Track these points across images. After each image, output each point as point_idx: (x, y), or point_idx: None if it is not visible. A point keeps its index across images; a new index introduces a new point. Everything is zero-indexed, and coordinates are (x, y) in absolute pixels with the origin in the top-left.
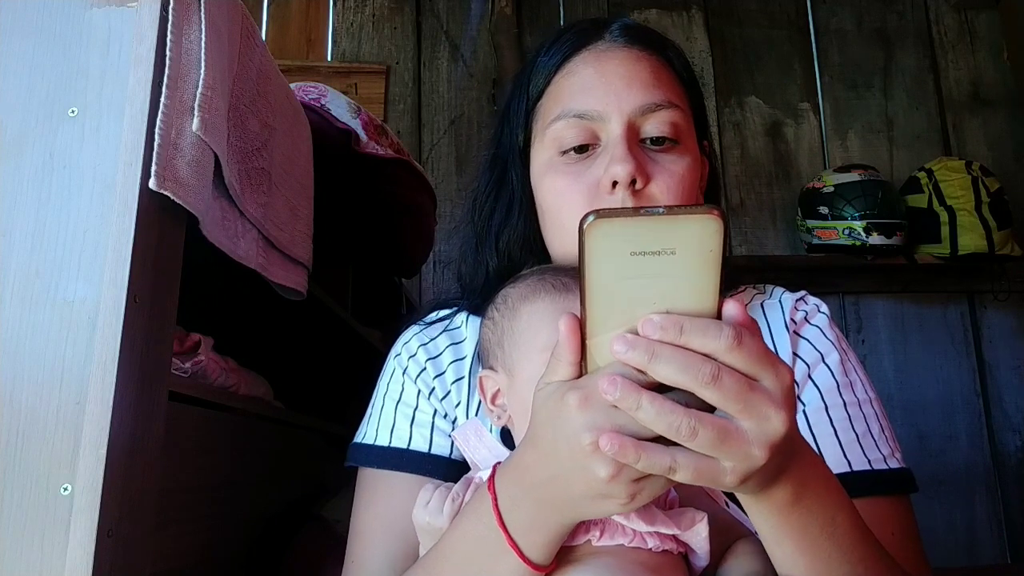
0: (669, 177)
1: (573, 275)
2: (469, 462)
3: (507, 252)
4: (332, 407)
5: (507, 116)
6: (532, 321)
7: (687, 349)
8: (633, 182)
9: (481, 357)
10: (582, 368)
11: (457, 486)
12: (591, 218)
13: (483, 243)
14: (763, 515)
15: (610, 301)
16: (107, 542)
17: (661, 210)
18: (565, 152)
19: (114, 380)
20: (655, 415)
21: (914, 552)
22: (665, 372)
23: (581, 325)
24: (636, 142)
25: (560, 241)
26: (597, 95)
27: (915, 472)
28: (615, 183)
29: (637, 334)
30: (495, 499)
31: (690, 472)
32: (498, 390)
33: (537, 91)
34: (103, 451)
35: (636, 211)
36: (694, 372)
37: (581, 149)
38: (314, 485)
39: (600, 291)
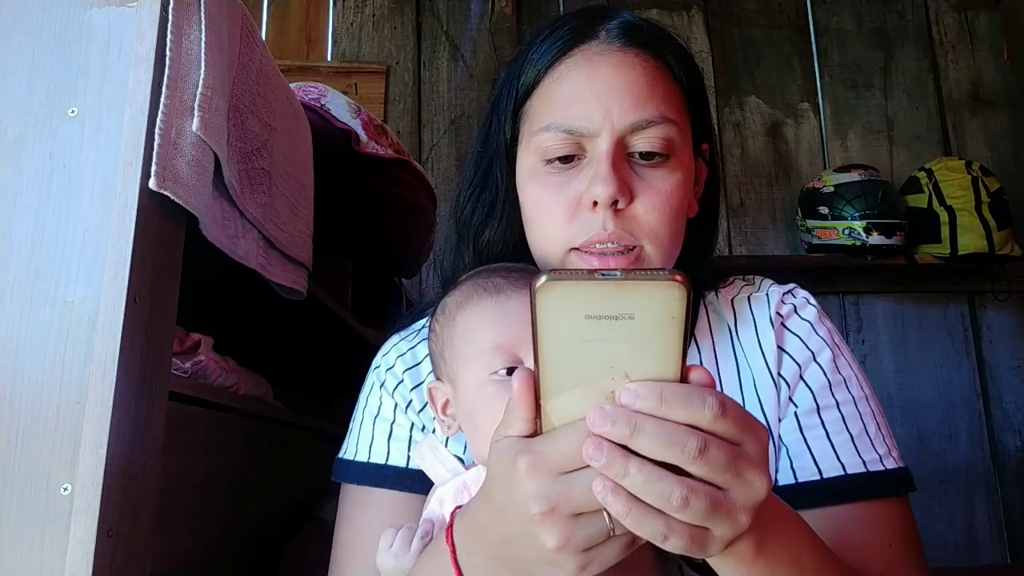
0: (655, 195)
1: (505, 274)
2: (432, 478)
3: (486, 250)
4: (332, 407)
5: (495, 110)
6: (468, 328)
7: (668, 420)
8: (615, 202)
9: (433, 369)
10: (537, 426)
11: (422, 524)
12: (543, 279)
13: (463, 240)
14: (727, 570)
15: (565, 363)
16: (107, 542)
17: (618, 274)
18: (549, 161)
19: (114, 380)
20: (643, 483)
21: (913, 559)
22: (648, 447)
23: (535, 382)
24: (623, 157)
25: (540, 248)
26: (587, 108)
27: (915, 472)
28: (596, 202)
29: (598, 398)
30: (453, 552)
31: (683, 540)
32: (447, 400)
33: (526, 88)
34: (103, 451)
35: (591, 274)
36: (680, 447)
37: (566, 159)
38: (314, 485)
39: (554, 353)
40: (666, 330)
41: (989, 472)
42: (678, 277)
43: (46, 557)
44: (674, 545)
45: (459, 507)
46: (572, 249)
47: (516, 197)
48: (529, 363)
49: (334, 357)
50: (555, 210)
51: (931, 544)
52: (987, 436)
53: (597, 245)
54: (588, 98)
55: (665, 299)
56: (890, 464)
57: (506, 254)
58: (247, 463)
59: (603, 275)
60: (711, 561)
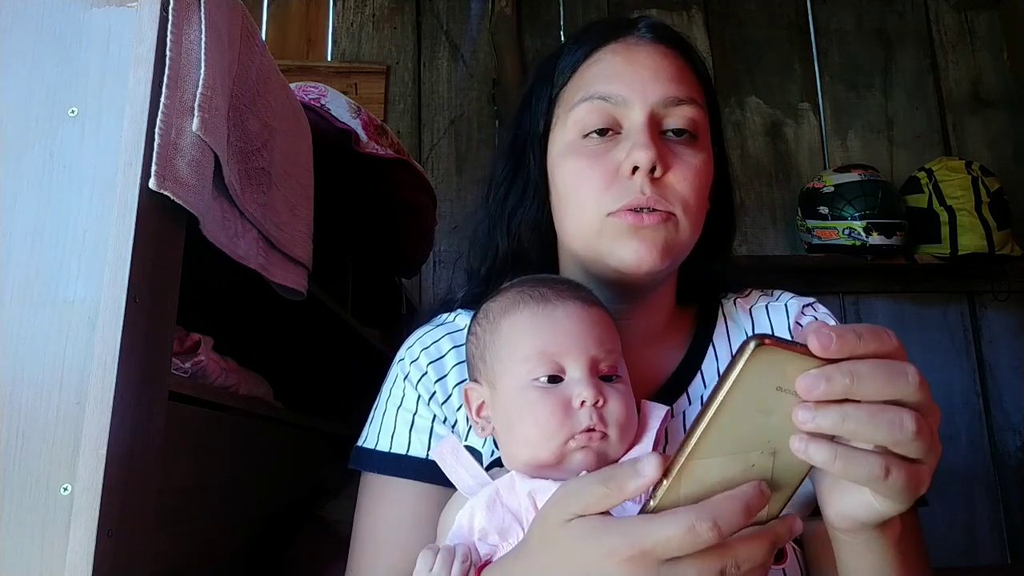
0: (687, 169)
1: (551, 285)
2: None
3: (518, 235)
4: (332, 407)
5: (528, 104)
6: (513, 333)
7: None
8: (653, 169)
9: (468, 370)
10: (660, 487)
11: (459, 548)
12: (753, 345)
13: (496, 226)
14: (880, 550)
15: (734, 428)
16: (107, 542)
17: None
18: (587, 135)
19: (114, 380)
20: (870, 417)
21: (928, 571)
22: (872, 387)
23: (685, 440)
24: (657, 132)
25: (574, 223)
26: (623, 81)
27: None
28: (635, 169)
29: (735, 469)
30: None
31: (903, 475)
32: (482, 402)
33: (563, 79)
34: (103, 451)
35: (803, 347)
36: (904, 377)
37: (603, 132)
38: (314, 485)
39: (731, 417)
40: None
41: (989, 472)
42: None
43: (46, 557)
44: (894, 481)
45: (486, 563)
46: (608, 215)
47: (547, 182)
48: (572, 372)
49: (334, 357)
50: (592, 177)
51: (931, 544)
52: (987, 436)
53: (634, 209)
54: (624, 73)
55: None
56: None
57: (536, 241)
58: (247, 463)
59: (807, 348)
60: (865, 549)
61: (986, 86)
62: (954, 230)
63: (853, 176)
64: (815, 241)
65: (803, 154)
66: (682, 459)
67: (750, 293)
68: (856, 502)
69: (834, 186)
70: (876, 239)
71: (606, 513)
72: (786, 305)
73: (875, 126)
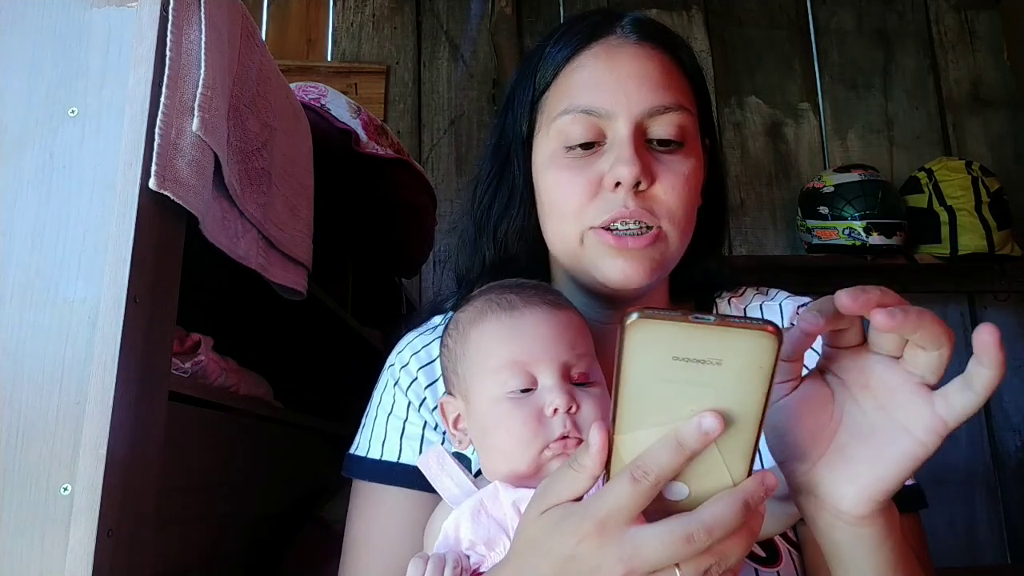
0: (674, 178)
1: (518, 291)
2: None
3: (504, 243)
4: (332, 407)
5: (511, 105)
6: (481, 343)
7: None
8: (637, 184)
9: (443, 383)
10: (609, 468)
11: (450, 556)
12: (634, 316)
13: (481, 233)
14: (872, 545)
15: (645, 400)
16: (107, 542)
17: (712, 319)
18: (570, 148)
19: (114, 380)
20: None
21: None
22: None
23: (611, 417)
24: (642, 142)
25: (559, 235)
26: (607, 92)
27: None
28: (618, 183)
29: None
30: None
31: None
32: (458, 415)
33: (545, 83)
34: (103, 451)
35: (685, 316)
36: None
37: (587, 146)
38: (314, 485)
39: (635, 390)
40: (752, 379)
41: (989, 472)
42: (771, 328)
43: (46, 557)
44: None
45: (476, 572)
46: (591, 229)
47: (533, 189)
48: (543, 380)
49: (334, 357)
50: (575, 191)
51: (931, 544)
52: (987, 436)
53: (619, 224)
54: (608, 83)
55: (756, 348)
56: (908, 480)
57: (524, 248)
58: (247, 463)
59: (696, 318)
60: (858, 546)
61: (986, 86)
62: (954, 230)
63: (853, 176)
64: (815, 241)
65: (803, 154)
66: (613, 435)
67: (745, 292)
68: (888, 456)
69: (834, 186)
70: (876, 239)
71: (579, 501)
72: (781, 305)
73: (875, 126)
